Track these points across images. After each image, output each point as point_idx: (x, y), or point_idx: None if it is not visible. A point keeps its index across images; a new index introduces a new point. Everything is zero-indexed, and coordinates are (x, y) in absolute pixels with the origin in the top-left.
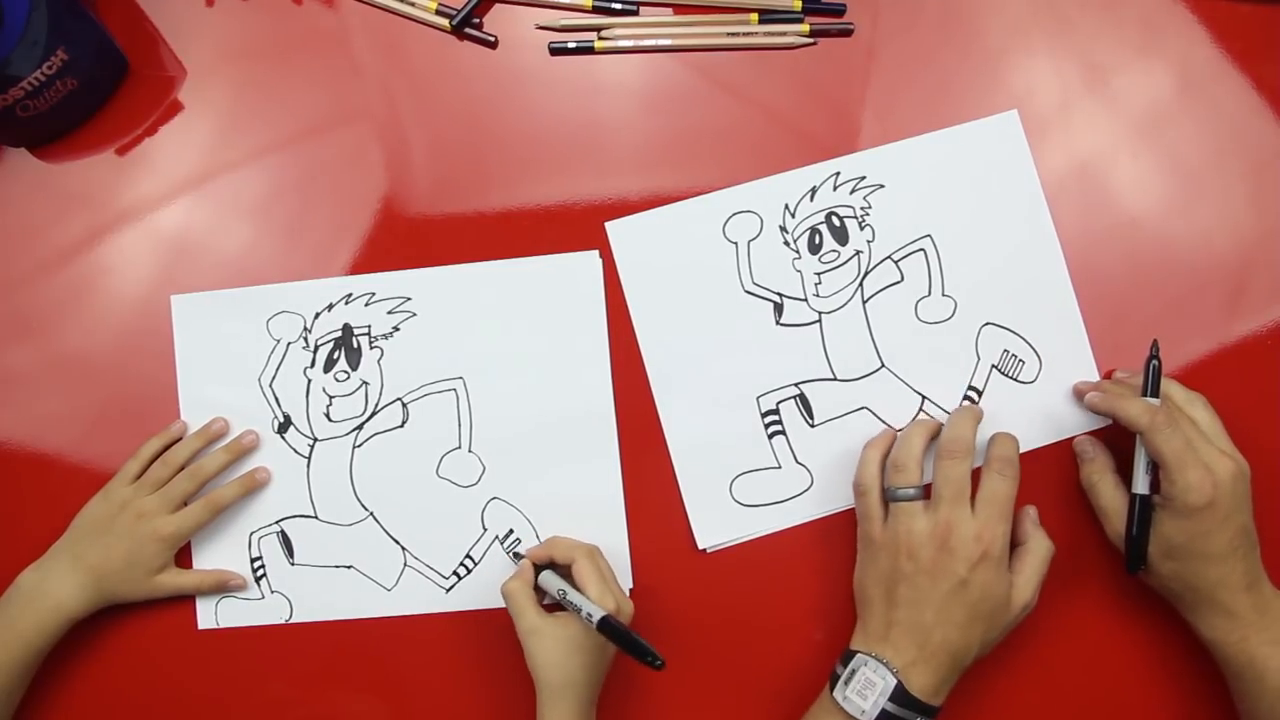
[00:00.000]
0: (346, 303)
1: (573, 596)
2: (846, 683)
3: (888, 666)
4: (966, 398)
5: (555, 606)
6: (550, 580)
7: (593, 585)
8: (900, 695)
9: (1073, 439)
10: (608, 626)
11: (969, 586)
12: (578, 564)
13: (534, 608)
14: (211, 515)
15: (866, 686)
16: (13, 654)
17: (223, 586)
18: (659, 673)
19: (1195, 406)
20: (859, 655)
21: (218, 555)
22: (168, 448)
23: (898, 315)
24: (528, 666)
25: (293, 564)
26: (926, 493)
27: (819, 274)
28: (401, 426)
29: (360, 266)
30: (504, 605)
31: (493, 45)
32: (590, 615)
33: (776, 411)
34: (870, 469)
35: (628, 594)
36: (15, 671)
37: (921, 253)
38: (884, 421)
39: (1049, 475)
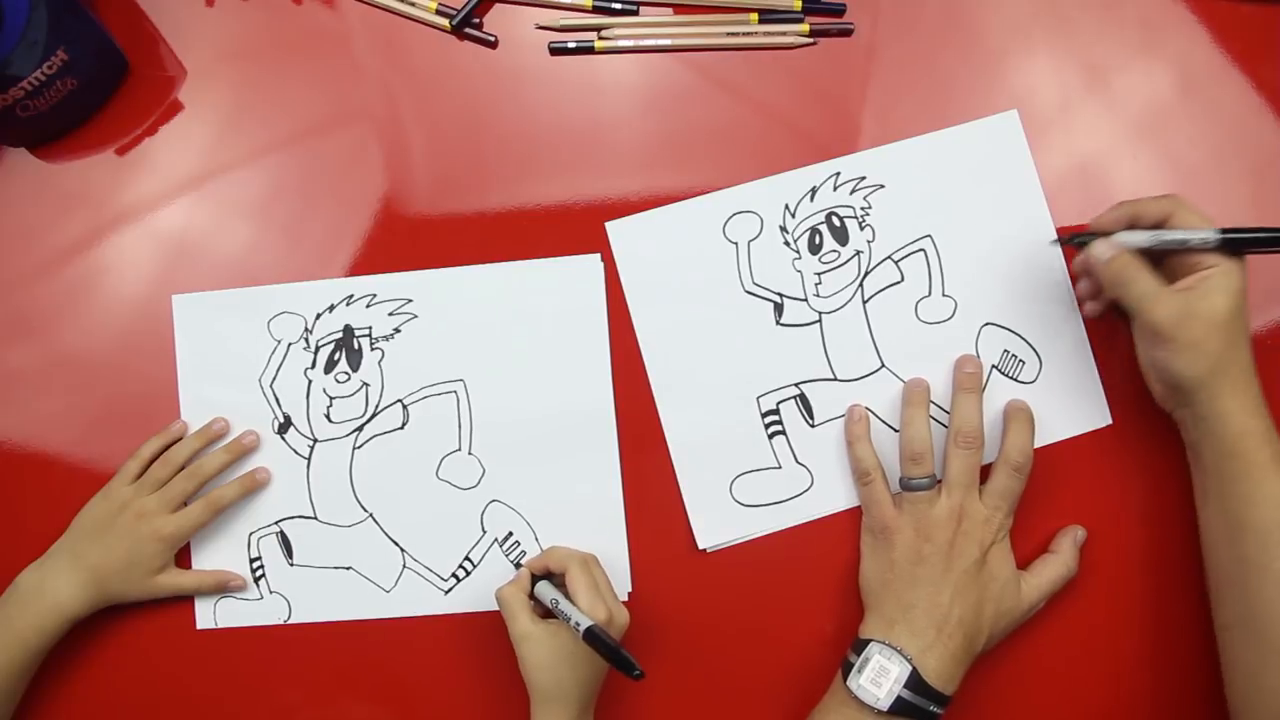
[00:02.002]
0: (348, 304)
1: (564, 606)
2: (860, 671)
3: (902, 654)
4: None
5: (552, 615)
6: (544, 590)
7: (583, 595)
8: (915, 682)
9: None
10: (592, 637)
11: (984, 566)
12: (570, 573)
13: (527, 614)
14: (212, 515)
15: (881, 674)
16: (12, 655)
17: (222, 587)
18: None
19: None
20: (873, 643)
21: (217, 555)
22: (168, 448)
23: (898, 315)
24: (521, 673)
25: (292, 564)
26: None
27: (819, 274)
28: (402, 428)
29: (360, 267)
30: None
31: (493, 45)
32: (578, 624)
33: (777, 411)
34: (869, 456)
35: (626, 598)
36: (14, 672)
37: (922, 253)
38: (884, 422)
39: (1049, 476)
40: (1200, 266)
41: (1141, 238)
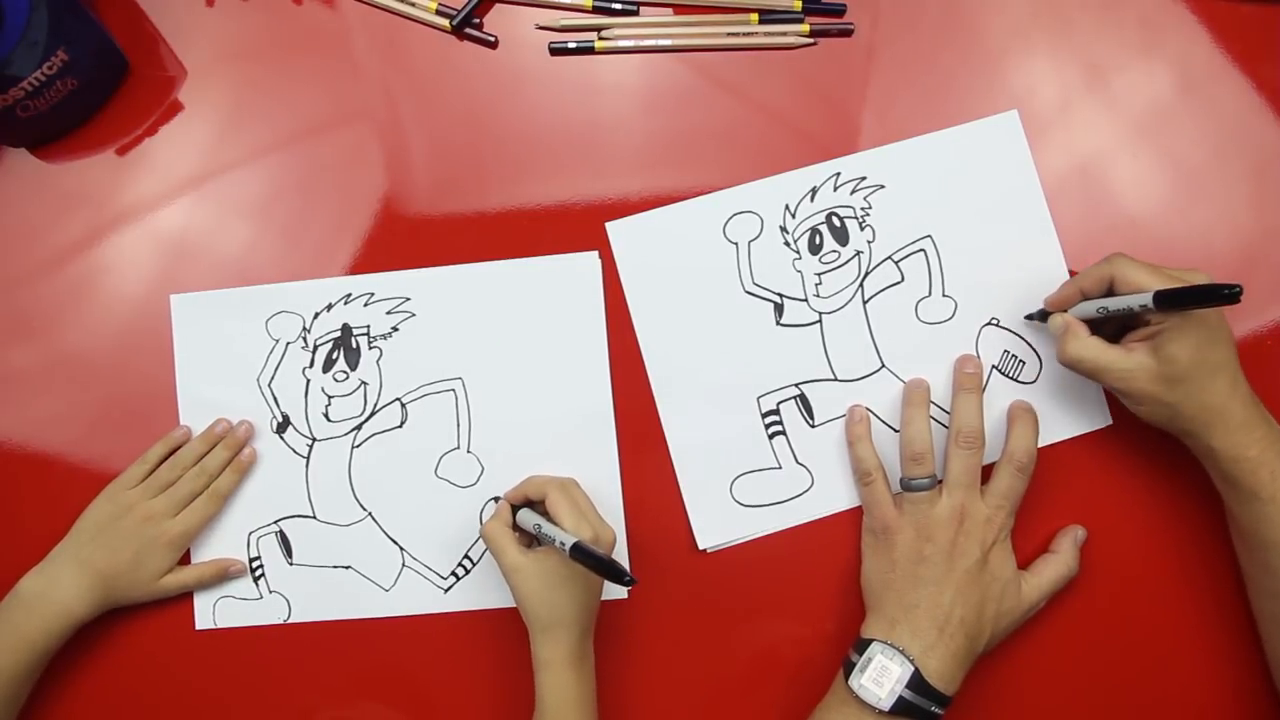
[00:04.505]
0: (346, 303)
1: (546, 528)
2: (862, 670)
3: (904, 654)
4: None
5: (537, 543)
6: (526, 517)
7: (566, 516)
8: (917, 682)
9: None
10: (579, 551)
11: (985, 566)
12: (550, 497)
13: (514, 546)
14: (217, 507)
15: (883, 674)
16: (19, 658)
17: (223, 574)
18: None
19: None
20: (875, 643)
21: (216, 556)
22: (172, 453)
23: (898, 316)
24: (517, 607)
25: (291, 564)
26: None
27: (819, 274)
28: (400, 427)
29: (360, 266)
30: (501, 606)
31: (493, 45)
32: (563, 544)
33: (777, 412)
34: (870, 456)
35: (626, 597)
36: (20, 676)
37: (922, 253)
38: (884, 422)
39: (1049, 476)
40: (1157, 322)
41: (1089, 309)
